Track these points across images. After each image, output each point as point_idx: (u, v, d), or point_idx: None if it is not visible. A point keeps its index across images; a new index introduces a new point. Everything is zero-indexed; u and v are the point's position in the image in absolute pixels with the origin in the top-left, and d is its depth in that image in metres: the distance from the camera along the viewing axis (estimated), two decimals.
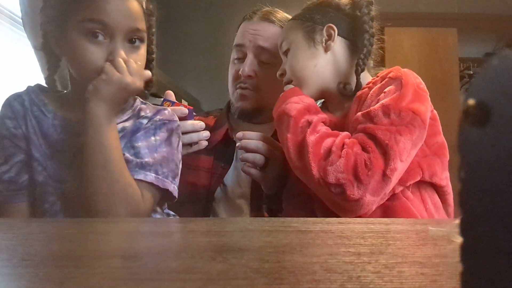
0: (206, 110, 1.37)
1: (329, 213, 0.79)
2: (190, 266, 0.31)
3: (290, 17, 1.14)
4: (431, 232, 0.47)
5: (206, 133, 0.93)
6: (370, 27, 0.91)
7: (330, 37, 0.91)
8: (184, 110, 0.92)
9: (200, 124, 0.93)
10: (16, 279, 0.28)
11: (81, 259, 0.34)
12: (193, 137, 0.92)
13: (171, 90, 2.39)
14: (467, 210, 0.17)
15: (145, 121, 0.82)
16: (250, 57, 1.07)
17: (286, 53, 0.95)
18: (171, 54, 3.46)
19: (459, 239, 0.17)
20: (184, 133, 0.91)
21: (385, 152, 0.74)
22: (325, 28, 0.91)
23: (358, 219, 0.65)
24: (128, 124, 0.82)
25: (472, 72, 3.51)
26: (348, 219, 0.66)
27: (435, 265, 0.32)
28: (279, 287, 0.26)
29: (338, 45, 0.92)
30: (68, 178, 0.78)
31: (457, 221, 0.17)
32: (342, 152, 0.75)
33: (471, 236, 0.17)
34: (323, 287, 0.26)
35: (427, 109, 0.81)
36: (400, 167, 0.75)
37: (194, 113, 0.95)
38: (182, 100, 2.31)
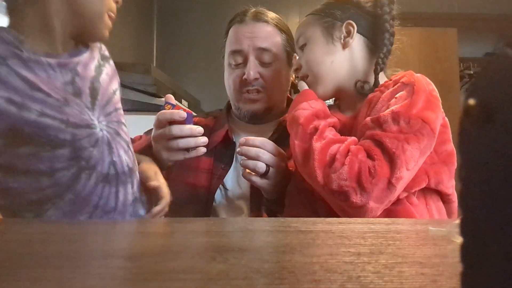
0: (206, 110, 1.37)
1: (331, 212, 0.79)
2: (190, 266, 0.31)
3: (279, 16, 1.14)
4: (432, 232, 0.47)
5: (204, 139, 0.91)
6: (390, 26, 0.90)
7: (349, 34, 0.90)
8: (182, 113, 0.91)
9: (199, 129, 0.91)
10: (16, 280, 0.28)
11: (81, 259, 0.34)
12: (190, 142, 0.91)
13: (171, 90, 2.39)
14: (467, 210, 0.17)
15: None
16: (252, 60, 1.06)
17: (302, 48, 0.94)
18: (171, 54, 3.46)
19: (459, 239, 0.17)
20: (181, 137, 0.91)
21: (392, 160, 0.73)
22: (344, 24, 0.90)
23: (359, 219, 0.65)
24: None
25: (472, 72, 3.52)
26: (349, 219, 0.66)
27: (435, 265, 0.32)
28: (279, 287, 0.26)
29: (357, 42, 0.91)
30: (94, 122, 0.71)
31: (457, 221, 0.17)
32: (346, 159, 0.74)
33: (471, 236, 0.17)
34: (323, 287, 0.26)
35: (438, 117, 0.80)
36: (406, 175, 0.74)
37: (193, 116, 0.95)
38: (182, 101, 2.31)
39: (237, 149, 0.92)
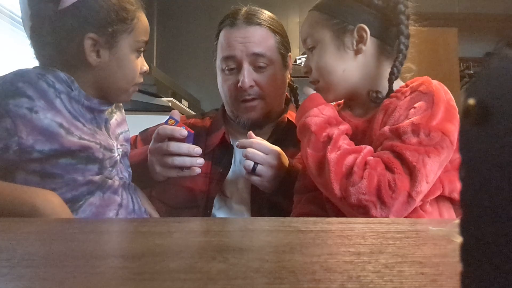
0: (206, 110, 1.36)
1: (340, 210, 0.78)
2: (190, 266, 0.31)
3: (272, 15, 1.09)
4: (432, 232, 0.47)
5: (201, 160, 0.91)
6: (406, 27, 0.85)
7: (361, 39, 0.85)
8: (183, 131, 0.90)
9: (197, 149, 0.91)
10: (16, 279, 0.28)
11: (81, 259, 0.34)
12: (186, 161, 0.90)
13: (171, 90, 2.38)
14: (467, 210, 0.17)
15: None
16: (246, 67, 1.02)
17: (311, 49, 0.89)
18: (171, 54, 3.46)
19: (459, 239, 0.17)
20: (178, 155, 0.90)
21: (412, 173, 0.72)
22: (356, 28, 0.84)
23: (359, 219, 0.65)
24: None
25: (472, 72, 3.51)
26: (349, 219, 0.66)
27: (435, 264, 0.32)
28: (279, 286, 0.26)
29: (370, 46, 0.86)
30: (114, 148, 0.86)
31: (457, 221, 0.17)
32: (365, 173, 0.73)
33: (471, 236, 0.17)
34: (323, 287, 0.26)
35: (456, 128, 0.78)
36: (425, 188, 0.73)
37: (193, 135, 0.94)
38: (183, 101, 2.31)
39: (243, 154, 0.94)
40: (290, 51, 1.12)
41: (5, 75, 0.76)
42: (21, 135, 0.72)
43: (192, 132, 0.92)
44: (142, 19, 0.86)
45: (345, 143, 0.80)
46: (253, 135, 0.96)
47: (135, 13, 0.84)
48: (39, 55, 0.84)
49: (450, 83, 3.04)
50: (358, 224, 0.53)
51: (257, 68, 1.04)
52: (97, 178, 0.80)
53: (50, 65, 0.82)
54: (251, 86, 1.03)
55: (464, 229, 0.17)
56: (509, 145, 0.15)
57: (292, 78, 1.18)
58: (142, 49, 0.87)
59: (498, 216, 0.15)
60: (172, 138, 0.91)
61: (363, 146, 0.79)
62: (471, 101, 0.16)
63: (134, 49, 0.85)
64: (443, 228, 0.46)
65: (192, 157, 0.91)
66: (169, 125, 0.92)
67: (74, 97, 0.80)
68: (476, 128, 0.16)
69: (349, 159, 0.76)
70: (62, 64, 0.81)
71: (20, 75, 0.76)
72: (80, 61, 0.81)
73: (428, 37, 3.10)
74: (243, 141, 0.95)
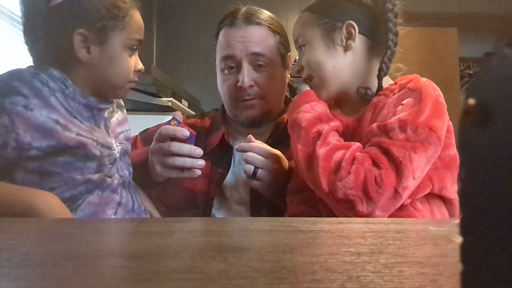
0: (206, 109, 1.36)
1: (332, 211, 0.79)
2: (190, 266, 0.31)
3: (271, 15, 1.09)
4: (431, 232, 0.47)
5: (201, 162, 0.91)
6: (394, 25, 0.86)
7: (350, 35, 0.86)
8: (185, 132, 0.90)
9: (198, 151, 0.90)
10: (16, 279, 0.28)
11: (81, 259, 0.34)
12: (187, 162, 0.90)
13: (171, 90, 2.38)
14: (467, 210, 0.17)
15: None
16: (245, 66, 1.02)
17: (302, 48, 0.91)
18: (171, 54, 3.46)
19: (459, 239, 0.17)
20: (179, 155, 0.90)
21: (398, 169, 0.72)
22: (344, 25, 0.86)
23: (358, 219, 0.65)
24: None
25: (472, 72, 3.52)
26: (348, 219, 0.66)
27: (435, 264, 0.32)
28: (279, 286, 0.26)
29: (358, 43, 0.87)
30: (113, 146, 0.85)
31: (457, 221, 0.17)
32: (352, 168, 0.73)
33: (471, 236, 0.17)
34: (323, 287, 0.26)
35: (444, 124, 0.79)
36: (412, 184, 0.74)
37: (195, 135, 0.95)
38: (183, 100, 2.31)
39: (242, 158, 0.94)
40: (289, 51, 1.12)
41: (0, 75, 0.77)
42: (18, 132, 0.73)
43: (194, 133, 0.92)
44: (135, 17, 0.86)
45: (334, 139, 0.81)
46: (253, 138, 0.95)
47: (127, 11, 0.84)
48: (32, 51, 0.84)
49: (450, 83, 3.06)
50: (358, 224, 0.53)
51: (257, 68, 1.04)
52: (95, 176, 0.80)
53: (42, 61, 0.82)
54: (251, 86, 1.03)
55: (464, 229, 0.17)
56: (509, 145, 0.15)
57: (291, 78, 1.18)
58: (135, 47, 0.87)
59: (498, 216, 0.15)
60: (174, 138, 0.91)
61: (352, 142, 0.80)
62: (471, 101, 0.16)
63: (126, 47, 0.85)
64: (443, 228, 0.46)
65: (193, 158, 0.91)
66: (172, 125, 0.93)
67: (69, 94, 0.81)
68: (476, 128, 0.16)
69: (338, 154, 0.77)
70: (54, 60, 0.82)
71: (14, 75, 0.77)
72: (71, 57, 0.81)
73: (428, 37, 3.10)
74: (243, 144, 0.94)
